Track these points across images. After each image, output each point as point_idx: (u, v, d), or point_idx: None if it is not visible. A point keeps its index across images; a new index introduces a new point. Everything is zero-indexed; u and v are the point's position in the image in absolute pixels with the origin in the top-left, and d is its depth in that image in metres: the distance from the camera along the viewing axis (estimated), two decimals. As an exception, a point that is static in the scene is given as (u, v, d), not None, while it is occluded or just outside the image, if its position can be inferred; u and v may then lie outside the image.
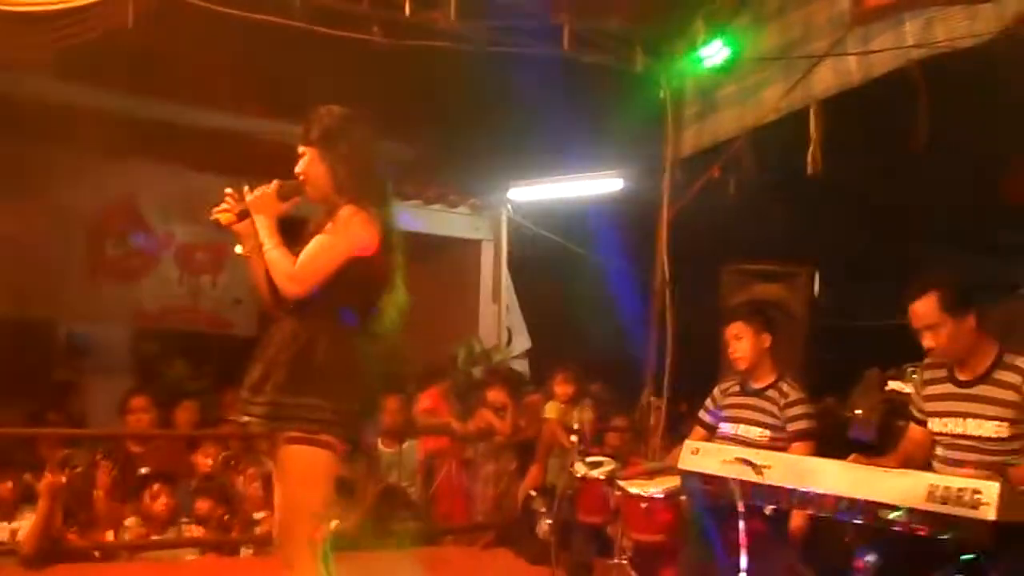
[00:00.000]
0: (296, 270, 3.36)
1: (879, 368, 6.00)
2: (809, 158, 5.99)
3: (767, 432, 4.98)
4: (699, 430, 5.35)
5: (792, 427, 4.93)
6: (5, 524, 5.58)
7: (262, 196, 3.47)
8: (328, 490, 3.41)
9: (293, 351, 3.36)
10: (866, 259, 7.12)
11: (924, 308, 4.04)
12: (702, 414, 5.40)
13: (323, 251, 3.38)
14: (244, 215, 3.46)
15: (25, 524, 5.56)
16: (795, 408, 4.96)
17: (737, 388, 5.23)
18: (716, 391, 5.37)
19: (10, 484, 5.57)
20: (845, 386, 6.63)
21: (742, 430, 5.07)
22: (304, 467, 3.34)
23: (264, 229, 3.43)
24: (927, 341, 4.08)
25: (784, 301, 6.43)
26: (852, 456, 4.02)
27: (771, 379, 5.11)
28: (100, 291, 8.42)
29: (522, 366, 10.04)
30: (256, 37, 6.11)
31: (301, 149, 3.52)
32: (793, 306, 6.41)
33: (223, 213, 3.48)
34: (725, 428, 5.17)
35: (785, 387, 5.05)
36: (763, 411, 5.04)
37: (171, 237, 8.76)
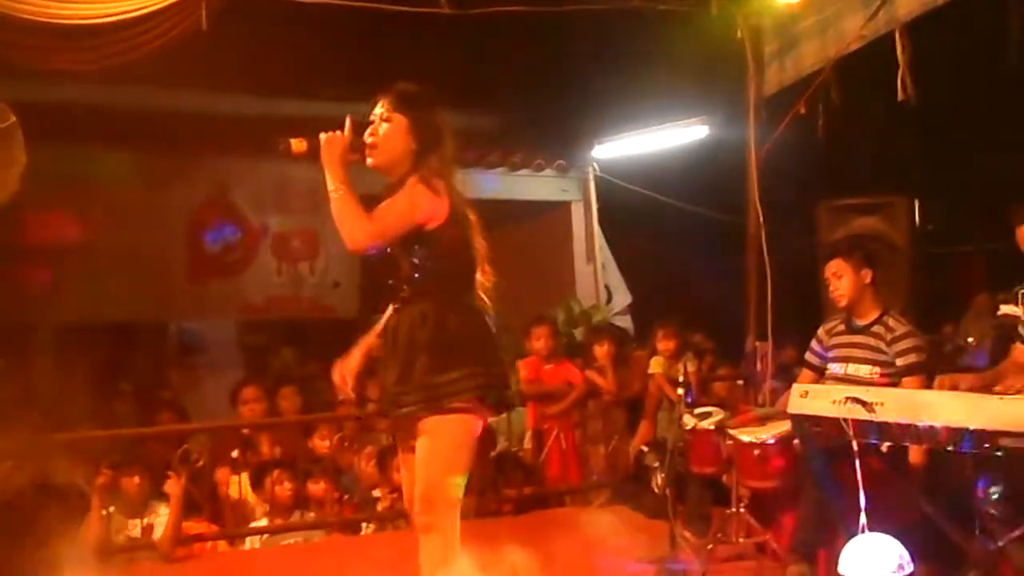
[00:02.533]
0: (365, 223, 3.36)
1: (989, 293, 5.85)
2: (899, 84, 5.81)
3: (876, 369, 4.88)
4: (807, 372, 5.27)
5: (901, 362, 4.82)
6: (137, 520, 5.75)
7: (334, 138, 3.44)
8: (466, 457, 3.45)
9: (428, 332, 3.41)
10: (967, 183, 6.90)
11: None
12: (809, 356, 5.32)
13: (391, 210, 3.41)
14: (315, 150, 3.43)
15: (157, 520, 5.75)
16: (903, 342, 4.85)
17: (842, 327, 5.13)
18: (821, 331, 5.28)
19: (137, 480, 5.73)
20: (957, 314, 6.48)
21: (851, 369, 4.97)
22: (456, 434, 3.39)
23: (331, 172, 3.42)
24: None
25: (884, 233, 6.30)
26: (937, 380, 3.93)
27: (876, 314, 5.00)
28: (204, 288, 8.63)
29: (625, 322, 10.01)
30: (330, 23, 6.17)
31: (384, 113, 3.50)
32: (894, 237, 6.28)
33: (297, 141, 3.45)
34: (834, 368, 5.08)
35: (891, 321, 4.94)
36: (871, 348, 4.93)
37: (266, 228, 8.92)
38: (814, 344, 5.30)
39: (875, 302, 5.02)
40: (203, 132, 7.98)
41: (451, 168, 3.55)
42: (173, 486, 5.73)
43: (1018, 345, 4.22)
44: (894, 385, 4.67)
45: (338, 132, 3.45)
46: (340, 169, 3.40)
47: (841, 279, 5.02)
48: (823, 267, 5.18)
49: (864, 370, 4.91)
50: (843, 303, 5.04)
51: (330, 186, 3.39)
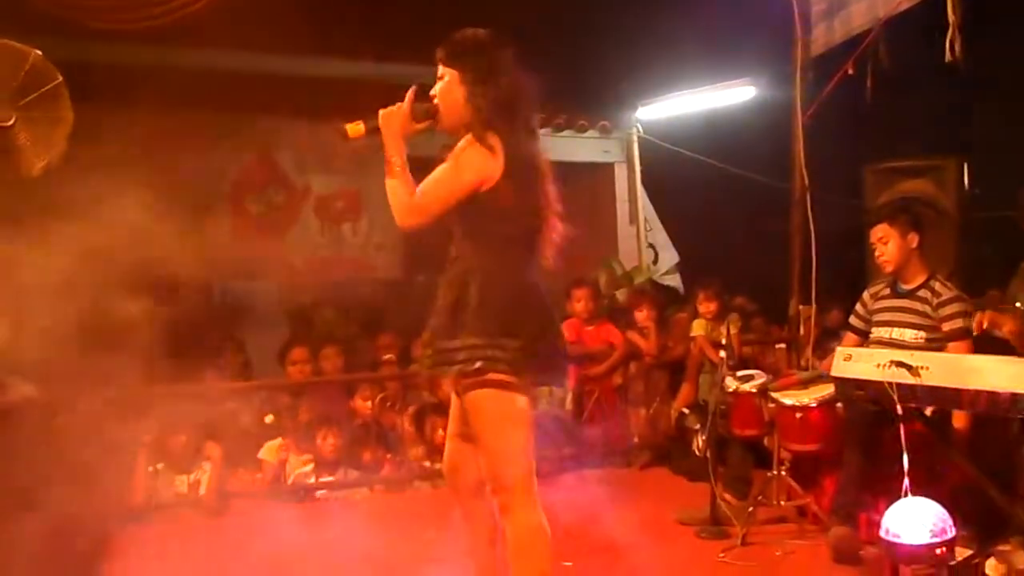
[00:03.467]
0: (412, 201, 3.25)
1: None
2: (947, 45, 5.69)
3: (922, 333, 4.84)
4: (851, 336, 5.24)
5: (947, 327, 4.78)
6: (184, 477, 5.86)
7: (392, 112, 3.32)
8: (521, 430, 3.29)
9: (452, 296, 3.31)
10: (1017, 145, 6.77)
11: None
12: (853, 319, 5.29)
13: (436, 183, 3.27)
14: (374, 131, 3.33)
15: (203, 476, 5.86)
16: (949, 307, 4.80)
17: (888, 291, 5.09)
18: (866, 295, 5.23)
19: (183, 438, 5.84)
20: (1005, 279, 6.38)
21: (896, 333, 4.94)
22: (497, 414, 3.26)
23: (388, 149, 3.31)
24: None
25: (932, 196, 6.21)
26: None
27: (922, 279, 4.95)
28: (248, 249, 8.69)
29: (674, 280, 9.99)
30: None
31: (440, 71, 3.38)
32: (942, 201, 6.19)
33: (353, 126, 3.36)
34: (879, 332, 5.04)
35: (937, 286, 4.89)
36: (916, 312, 4.89)
37: (309, 189, 8.95)
38: (859, 308, 5.26)
39: (922, 266, 4.97)
40: (248, 93, 7.99)
41: (512, 117, 3.32)
42: (213, 448, 5.84)
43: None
44: (939, 350, 4.63)
45: (397, 105, 3.33)
46: (396, 143, 3.29)
47: (887, 244, 4.97)
48: (868, 232, 5.12)
49: (909, 334, 4.87)
50: (889, 268, 5.00)
51: (388, 164, 3.30)
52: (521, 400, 3.28)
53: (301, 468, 6.20)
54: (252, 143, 8.75)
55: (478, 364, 3.21)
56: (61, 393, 6.19)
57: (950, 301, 4.81)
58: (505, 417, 3.27)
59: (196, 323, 8.81)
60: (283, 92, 8.13)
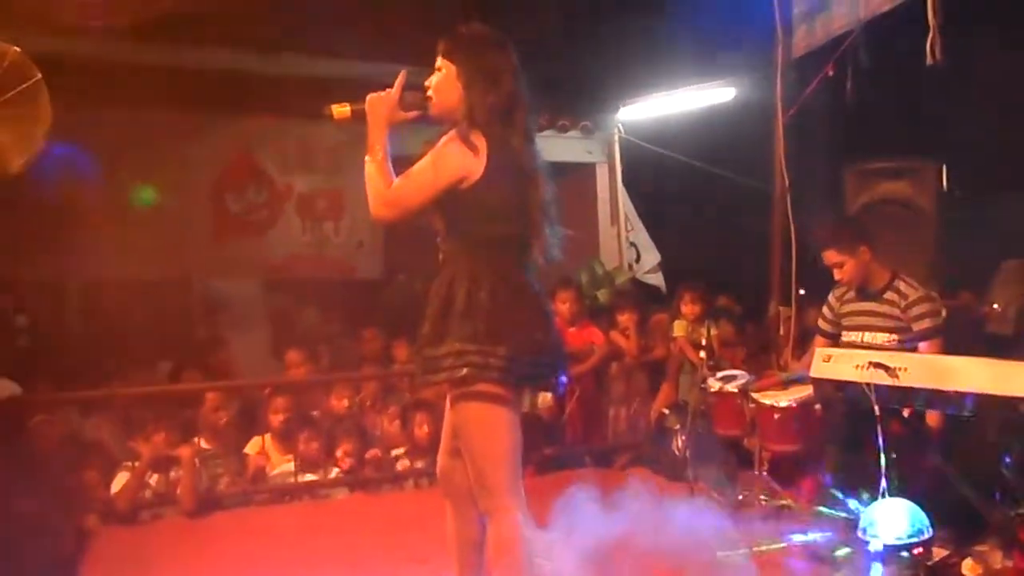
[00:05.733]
0: (387, 192, 3.19)
1: (1018, 258, 5.79)
2: (928, 47, 5.72)
3: (894, 336, 4.89)
4: (820, 340, 5.27)
5: (917, 327, 4.82)
6: (163, 476, 5.84)
7: (380, 98, 3.26)
8: (508, 438, 3.23)
9: (439, 300, 3.25)
10: (999, 148, 6.82)
11: None
12: (821, 323, 5.34)
13: (412, 177, 3.21)
14: (360, 114, 3.27)
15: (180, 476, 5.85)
16: (917, 307, 4.86)
17: (852, 293, 5.14)
18: (831, 298, 5.28)
19: (163, 435, 5.82)
20: (985, 281, 6.42)
21: (868, 337, 4.98)
22: (474, 420, 3.23)
23: (371, 135, 3.25)
24: None
25: (911, 198, 6.25)
26: None
27: (885, 279, 5.00)
28: (228, 247, 8.64)
29: (656, 279, 10.00)
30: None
31: (439, 62, 3.31)
32: (921, 202, 6.23)
33: (339, 108, 3.30)
34: (850, 336, 5.09)
35: (903, 286, 4.94)
36: (885, 315, 4.94)
37: (291, 188, 8.91)
38: (825, 311, 5.31)
39: (882, 269, 5.02)
40: (229, 91, 7.96)
41: (505, 120, 3.25)
42: (185, 449, 5.83)
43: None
44: (912, 351, 4.66)
45: (386, 91, 3.27)
46: (380, 132, 3.24)
47: (842, 266, 5.02)
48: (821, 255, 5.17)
49: (881, 337, 4.92)
50: (855, 284, 5.04)
51: (369, 152, 3.24)
52: (509, 411, 3.22)
53: (283, 467, 6.18)
54: (233, 142, 8.70)
55: (464, 372, 3.16)
56: (41, 393, 6.19)
57: (918, 301, 4.85)
58: (493, 427, 3.22)
59: (177, 322, 8.83)
60: (264, 90, 8.09)
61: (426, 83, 3.35)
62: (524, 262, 3.32)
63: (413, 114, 3.33)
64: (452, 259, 3.31)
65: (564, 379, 3.40)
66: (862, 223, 5.30)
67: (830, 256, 5.07)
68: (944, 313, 4.96)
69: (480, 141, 3.19)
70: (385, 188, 3.20)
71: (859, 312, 5.06)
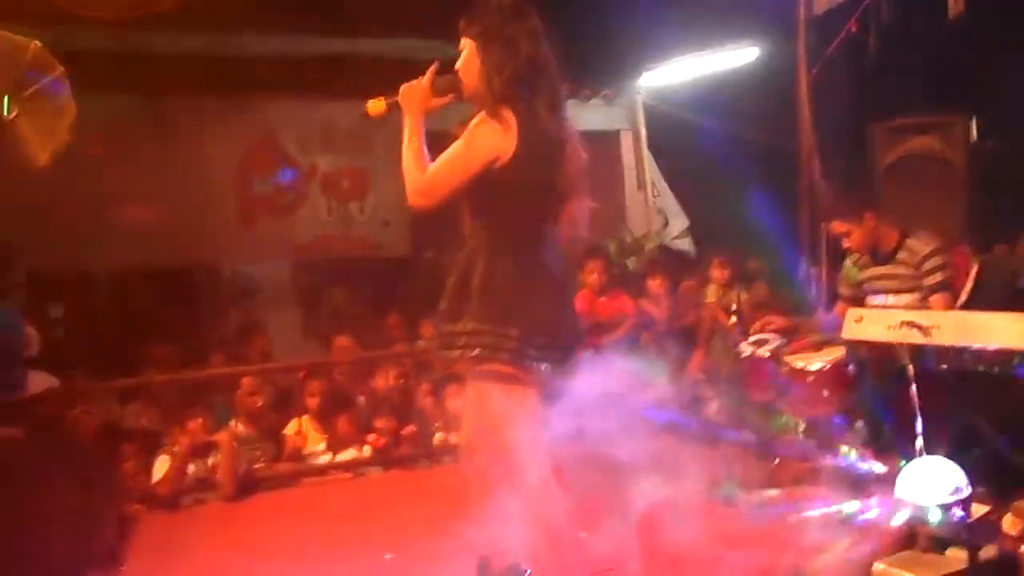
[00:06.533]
0: (422, 179, 3.16)
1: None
2: (949, 1, 5.63)
3: (915, 295, 4.91)
4: (842, 306, 5.25)
5: (928, 281, 4.87)
6: (201, 461, 5.90)
7: (412, 87, 3.24)
8: (524, 423, 3.18)
9: (458, 277, 3.23)
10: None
11: None
12: (842, 289, 5.35)
13: (446, 163, 3.16)
14: (394, 105, 3.28)
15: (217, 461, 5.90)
16: (928, 262, 4.89)
17: (867, 259, 5.13)
18: (848, 264, 5.27)
19: (200, 420, 5.87)
20: (1017, 233, 6.35)
21: (892, 300, 4.99)
22: (488, 402, 3.22)
23: (407, 125, 3.22)
24: None
25: (941, 152, 6.19)
26: None
27: (894, 240, 5.00)
28: (255, 230, 8.69)
29: (685, 245, 9.97)
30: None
31: (461, 42, 3.27)
32: (951, 156, 6.16)
33: (374, 102, 3.31)
34: (874, 300, 5.07)
35: (914, 244, 4.95)
36: (902, 277, 4.97)
37: (315, 168, 8.93)
38: (844, 277, 5.31)
39: (890, 231, 5.02)
40: (251, 74, 7.98)
41: (530, 90, 3.18)
42: (223, 434, 5.88)
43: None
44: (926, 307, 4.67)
45: (418, 79, 3.25)
46: (414, 119, 3.21)
47: (850, 235, 5.01)
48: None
49: (905, 299, 4.92)
50: (863, 252, 5.03)
51: (404, 142, 3.21)
52: (525, 391, 3.19)
53: (317, 447, 6.22)
54: (255, 124, 8.72)
55: (476, 351, 3.14)
56: (79, 383, 6.26)
57: (929, 256, 4.90)
58: (507, 409, 3.18)
59: (209, 307, 8.89)
60: (285, 71, 8.10)
61: (456, 66, 3.29)
62: (548, 241, 3.28)
63: (447, 99, 3.30)
64: (474, 235, 3.27)
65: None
66: (865, 188, 5.29)
67: (836, 226, 5.11)
68: (975, 268, 4.94)
69: (510, 117, 3.12)
70: (420, 175, 3.16)
71: (878, 276, 5.08)
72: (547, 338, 3.19)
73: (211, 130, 8.43)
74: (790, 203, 7.20)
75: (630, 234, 9.40)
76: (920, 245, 4.92)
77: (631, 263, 8.89)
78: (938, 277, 4.84)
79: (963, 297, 5.03)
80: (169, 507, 5.73)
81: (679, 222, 10.08)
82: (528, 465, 3.20)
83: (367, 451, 6.29)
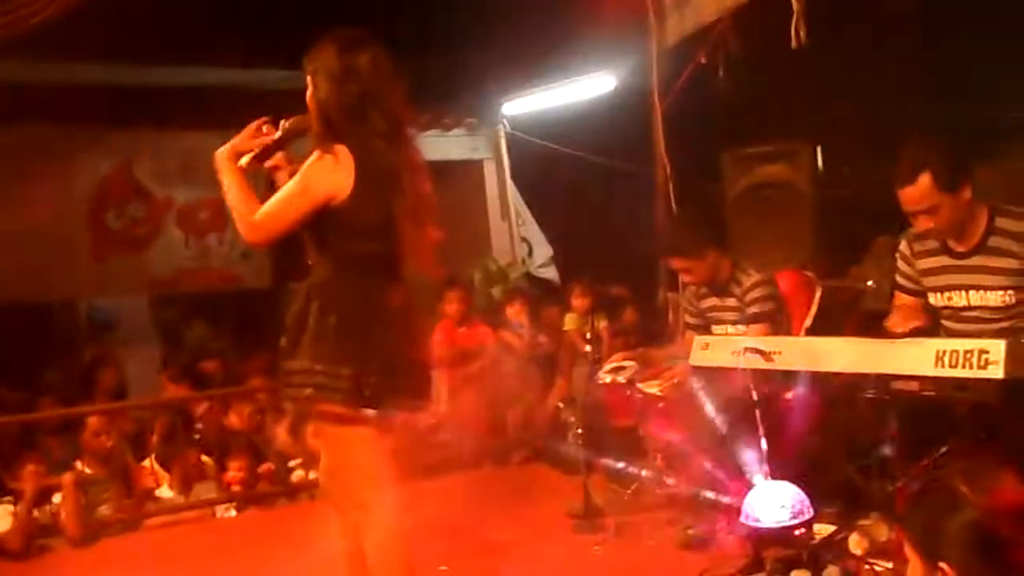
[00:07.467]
0: (254, 220, 3.10)
1: (888, 234, 5.91)
2: (792, 32, 5.80)
3: (740, 327, 5.04)
4: (689, 334, 5.33)
5: (749, 311, 4.96)
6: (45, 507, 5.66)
7: (225, 151, 3.23)
8: (364, 455, 3.16)
9: (294, 315, 3.17)
10: (869, 128, 6.95)
11: (918, 192, 3.75)
12: (687, 319, 5.42)
13: (279, 202, 3.12)
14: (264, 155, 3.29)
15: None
16: (751, 292, 4.99)
17: (704, 289, 5.23)
18: (689, 294, 5.36)
19: (33, 466, 5.64)
20: (860, 257, 6.55)
21: (731, 329, 5.08)
22: (326, 438, 3.22)
23: (222, 173, 3.22)
24: (923, 223, 3.86)
25: (788, 180, 6.34)
26: None
27: (727, 272, 5.11)
28: (110, 264, 8.43)
29: (550, 273, 10.03)
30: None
31: (306, 81, 3.24)
32: (798, 183, 6.32)
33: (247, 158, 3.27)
34: (717, 329, 5.17)
35: (741, 276, 5.06)
36: (732, 308, 5.08)
37: (171, 201, 8.72)
38: (687, 306, 5.39)
39: (724, 264, 5.11)
40: (104, 105, 7.76)
41: (356, 120, 3.14)
42: (66, 476, 5.64)
43: (899, 294, 4.26)
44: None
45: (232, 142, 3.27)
46: (229, 172, 3.20)
47: (692, 272, 5.11)
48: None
49: (742, 329, 5.01)
50: (705, 286, 5.15)
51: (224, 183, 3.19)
52: (360, 429, 3.13)
53: (166, 489, 6.04)
54: (109, 156, 8.48)
55: (308, 391, 3.10)
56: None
57: (752, 287, 4.98)
58: (346, 444, 3.18)
59: (64, 344, 8.59)
60: (139, 103, 7.91)
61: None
62: (391, 274, 3.24)
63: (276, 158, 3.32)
64: (316, 267, 3.22)
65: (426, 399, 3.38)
66: (705, 225, 5.35)
67: (678, 264, 5.19)
68: (818, 293, 5.10)
69: (344, 153, 3.08)
70: (249, 215, 3.10)
71: (715, 308, 5.19)
72: (384, 377, 3.12)
73: (65, 161, 8.16)
74: (650, 230, 7.30)
75: (495, 263, 9.42)
76: (744, 277, 5.02)
77: (496, 292, 8.89)
78: (756, 308, 4.91)
79: (807, 322, 5.18)
80: (17, 558, 5.47)
81: (543, 250, 10.15)
82: (375, 504, 3.18)
83: (221, 491, 6.12)
